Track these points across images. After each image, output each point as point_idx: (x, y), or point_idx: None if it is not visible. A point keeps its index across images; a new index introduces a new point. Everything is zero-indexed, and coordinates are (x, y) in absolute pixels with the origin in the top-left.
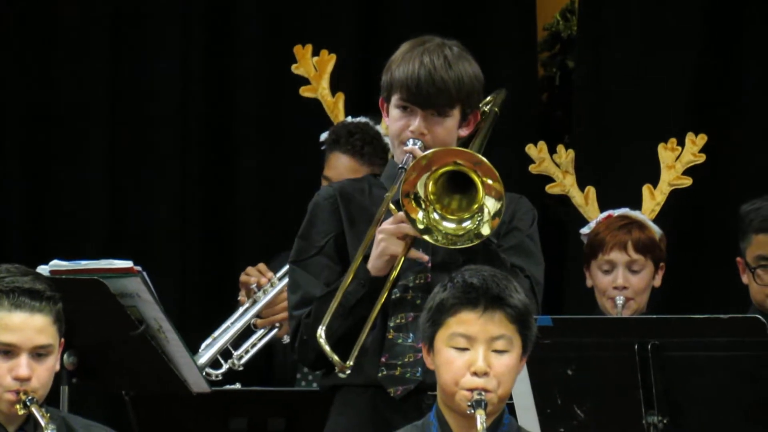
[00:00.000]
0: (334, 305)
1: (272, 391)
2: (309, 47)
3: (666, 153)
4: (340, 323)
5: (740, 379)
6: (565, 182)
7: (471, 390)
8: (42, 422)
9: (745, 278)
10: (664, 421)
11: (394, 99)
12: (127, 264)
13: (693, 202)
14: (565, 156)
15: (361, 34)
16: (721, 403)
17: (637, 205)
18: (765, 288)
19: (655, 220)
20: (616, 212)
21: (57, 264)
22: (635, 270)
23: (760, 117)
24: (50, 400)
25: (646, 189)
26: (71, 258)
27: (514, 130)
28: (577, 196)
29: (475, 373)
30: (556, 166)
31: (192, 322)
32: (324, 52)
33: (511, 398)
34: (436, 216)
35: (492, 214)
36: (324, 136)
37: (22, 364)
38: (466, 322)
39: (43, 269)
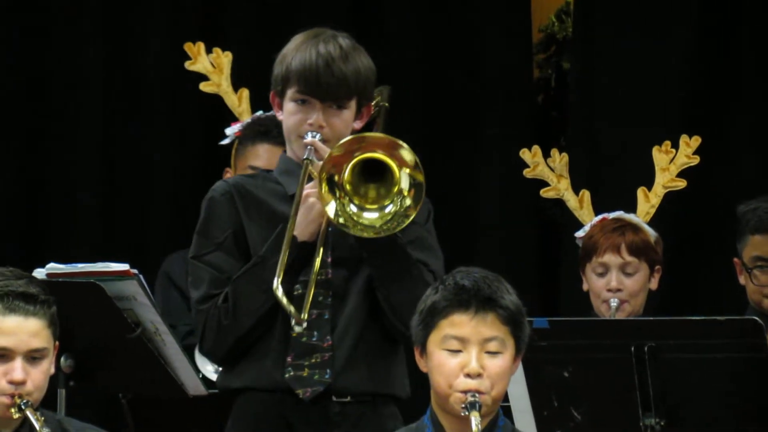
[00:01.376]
0: (284, 257)
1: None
2: (200, 44)
3: (660, 155)
4: (265, 298)
5: (737, 381)
6: (559, 186)
7: (465, 392)
8: (37, 426)
9: (742, 279)
10: (661, 423)
11: (290, 92)
12: (124, 267)
13: (688, 204)
14: (560, 160)
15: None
16: (718, 404)
17: (632, 207)
18: (762, 288)
19: (651, 223)
20: (611, 215)
21: (54, 267)
22: (629, 272)
23: (754, 118)
24: (47, 404)
25: (640, 191)
26: (68, 261)
27: (509, 132)
28: (571, 200)
29: (468, 375)
30: (550, 170)
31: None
32: (217, 50)
33: (507, 400)
34: (353, 209)
35: (408, 187)
36: (233, 129)
37: (17, 368)
38: (459, 324)
39: (40, 272)
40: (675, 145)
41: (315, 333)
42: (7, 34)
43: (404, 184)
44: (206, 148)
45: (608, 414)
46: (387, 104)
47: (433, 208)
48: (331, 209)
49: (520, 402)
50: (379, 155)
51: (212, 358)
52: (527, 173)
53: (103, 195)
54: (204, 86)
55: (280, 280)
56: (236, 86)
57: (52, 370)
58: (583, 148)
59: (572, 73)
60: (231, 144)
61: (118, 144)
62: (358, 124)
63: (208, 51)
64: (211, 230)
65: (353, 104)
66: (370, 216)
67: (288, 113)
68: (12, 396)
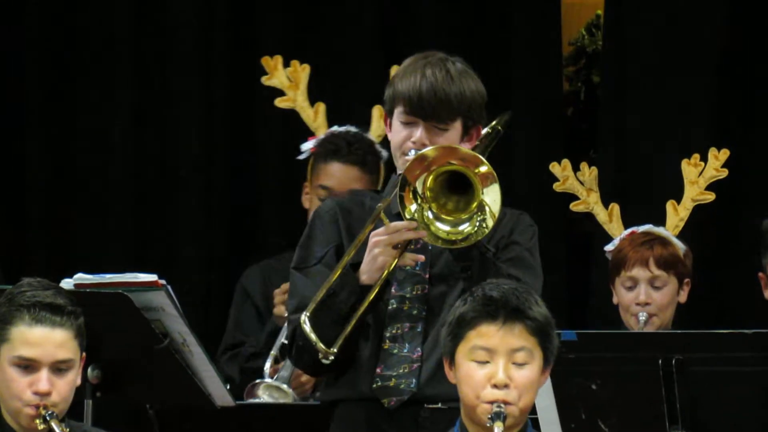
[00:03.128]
0: (320, 294)
1: (297, 405)
2: (278, 58)
3: (689, 168)
4: (338, 332)
5: (765, 394)
6: (589, 200)
7: (491, 402)
8: None
9: (767, 293)
10: None
11: (397, 112)
12: (152, 277)
13: (717, 217)
14: (589, 173)
15: (382, 49)
16: (745, 417)
17: (661, 221)
18: None
19: (680, 236)
20: (640, 229)
21: (81, 277)
22: (657, 286)
23: None
24: (74, 414)
25: (669, 205)
26: (96, 271)
27: (539, 145)
28: (601, 214)
29: (495, 386)
30: (580, 183)
31: (217, 336)
32: (295, 63)
33: (535, 413)
34: (429, 215)
35: (494, 208)
36: (308, 145)
37: (43, 379)
38: (486, 334)
39: (68, 283)
40: (704, 158)
41: (407, 345)
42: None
43: (489, 199)
44: (236, 158)
45: (635, 427)
46: (501, 128)
47: (537, 229)
48: (412, 208)
49: (548, 414)
50: (462, 169)
51: (302, 370)
52: (557, 187)
53: (133, 206)
54: (279, 102)
55: (308, 314)
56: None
57: (78, 382)
58: (613, 161)
59: (602, 87)
60: (307, 159)
61: (148, 154)
62: (466, 145)
63: (286, 65)
64: (313, 246)
65: (458, 125)
66: (442, 227)
67: (394, 132)
68: (37, 407)
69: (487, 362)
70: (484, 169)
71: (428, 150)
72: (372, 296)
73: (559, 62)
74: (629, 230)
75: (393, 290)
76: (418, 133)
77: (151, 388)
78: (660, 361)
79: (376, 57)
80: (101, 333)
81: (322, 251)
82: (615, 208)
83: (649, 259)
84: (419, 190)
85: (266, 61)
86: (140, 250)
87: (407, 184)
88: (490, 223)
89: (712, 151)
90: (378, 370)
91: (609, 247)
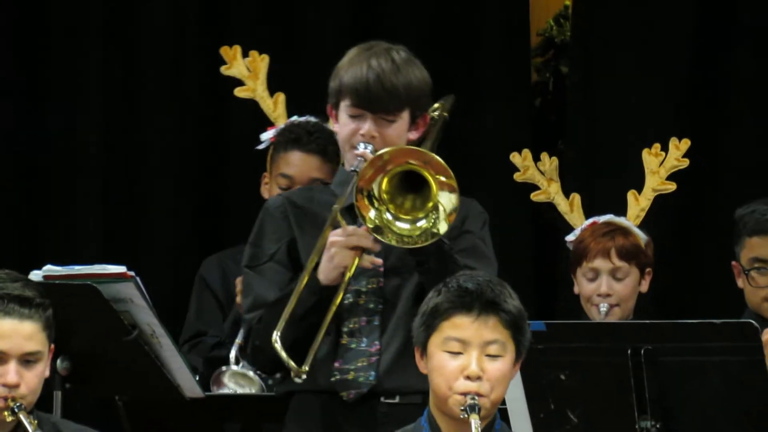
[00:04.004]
0: (287, 312)
1: (266, 396)
2: (237, 48)
3: (650, 158)
4: (292, 331)
5: (733, 384)
6: (549, 190)
7: (464, 394)
8: (30, 429)
9: (740, 282)
10: (657, 426)
11: (344, 105)
12: (121, 269)
13: (679, 207)
14: (549, 163)
15: (352, 37)
16: (714, 408)
17: (623, 210)
18: (759, 290)
19: (642, 226)
20: (601, 219)
21: (50, 269)
22: (619, 277)
23: (750, 122)
24: (44, 406)
25: (631, 195)
26: (65, 263)
27: (508, 135)
28: (562, 204)
29: (468, 378)
30: (540, 173)
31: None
32: (254, 53)
33: (504, 404)
34: (389, 216)
35: (448, 211)
36: (267, 135)
37: (11, 371)
38: (460, 326)
39: (37, 274)
40: (666, 149)
41: (364, 339)
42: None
43: (444, 202)
44: (207, 152)
45: (604, 417)
46: (446, 115)
47: (488, 217)
48: (371, 215)
49: (517, 405)
50: (422, 170)
51: (257, 368)
52: (517, 177)
53: (102, 198)
54: (239, 92)
55: (279, 333)
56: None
57: (47, 373)
58: (581, 151)
59: (570, 77)
60: (266, 149)
61: (119, 147)
62: (413, 135)
63: (244, 55)
64: (264, 242)
65: (406, 115)
66: (402, 226)
67: (341, 124)
68: (5, 399)
69: (460, 353)
70: (445, 179)
71: (384, 152)
72: (338, 300)
73: (528, 53)
74: (590, 220)
75: (348, 286)
76: (367, 125)
77: (120, 380)
78: (629, 351)
79: (344, 46)
80: (70, 324)
81: (274, 248)
82: (576, 198)
83: (611, 250)
84: (375, 193)
85: (225, 51)
86: (109, 243)
87: (361, 190)
88: (443, 225)
89: (673, 141)
90: (336, 365)
91: (570, 238)
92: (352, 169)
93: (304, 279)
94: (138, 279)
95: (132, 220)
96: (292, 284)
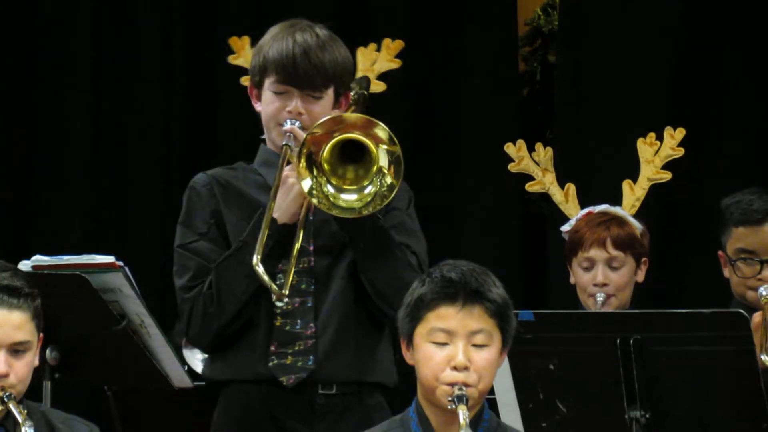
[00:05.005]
0: (263, 236)
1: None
2: (246, 38)
3: (645, 147)
4: (248, 283)
5: (723, 374)
6: (544, 180)
7: (451, 385)
8: (19, 419)
9: (727, 272)
10: (647, 416)
11: (268, 82)
12: (109, 259)
13: (674, 196)
14: (544, 154)
15: (341, 27)
16: (704, 397)
17: (618, 200)
18: (745, 280)
19: (637, 215)
20: (596, 209)
21: (39, 259)
22: (615, 267)
23: (740, 111)
24: (33, 395)
25: (626, 184)
26: (53, 253)
27: (496, 126)
28: (557, 194)
29: (455, 368)
30: (535, 164)
31: (174, 316)
32: None
33: (492, 394)
34: (330, 189)
35: (388, 164)
36: None
37: (0, 361)
38: (445, 316)
39: (25, 264)
40: (660, 138)
41: (299, 321)
42: None
43: (383, 161)
44: (194, 141)
45: (594, 407)
46: (366, 92)
47: (413, 194)
48: (306, 185)
49: (506, 395)
50: (357, 135)
51: (198, 345)
52: (512, 168)
53: (91, 187)
54: (246, 80)
55: (260, 257)
56: None
57: (36, 363)
58: (569, 141)
59: (558, 67)
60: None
61: (106, 136)
62: (336, 113)
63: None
64: (194, 221)
65: (331, 92)
66: (349, 197)
67: (266, 102)
68: None
69: (446, 344)
70: (379, 131)
71: (315, 126)
72: (299, 239)
73: (515, 42)
74: (585, 210)
75: (279, 265)
76: (294, 102)
77: (109, 370)
78: (618, 341)
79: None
80: (59, 314)
81: (205, 227)
82: (571, 188)
83: (606, 240)
84: (317, 159)
85: (234, 41)
86: (97, 232)
87: (304, 153)
88: (389, 180)
89: (668, 130)
90: (272, 348)
91: (565, 228)
92: (284, 143)
93: (267, 218)
94: (127, 269)
95: (119, 209)
96: (239, 240)
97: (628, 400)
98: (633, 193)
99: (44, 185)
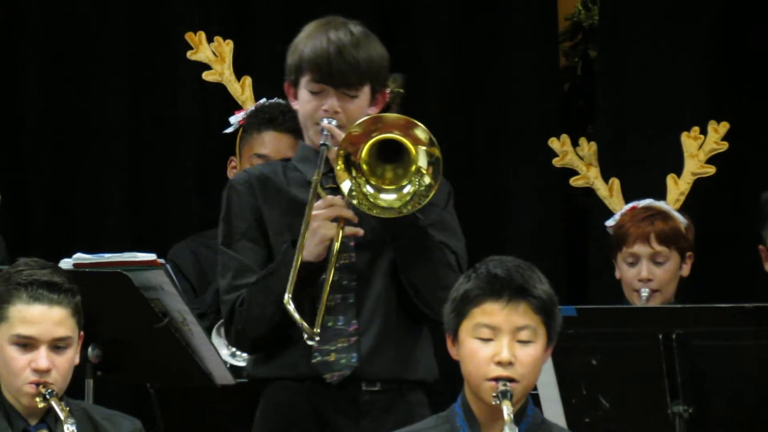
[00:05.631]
0: (294, 273)
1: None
2: (201, 34)
3: (689, 142)
4: (277, 308)
5: (765, 368)
6: (588, 174)
7: (496, 380)
8: (61, 416)
9: (767, 266)
10: (690, 411)
11: (304, 81)
12: (151, 257)
13: (718, 190)
14: (588, 148)
15: (382, 22)
16: (746, 392)
17: (662, 195)
18: None
19: (682, 209)
20: (641, 203)
21: (80, 257)
22: (659, 262)
23: None
24: (75, 394)
25: (670, 178)
26: (94, 251)
27: (536, 121)
28: (601, 188)
29: (499, 364)
30: (579, 158)
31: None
32: (219, 39)
33: (535, 389)
34: (369, 189)
35: (427, 165)
36: (236, 118)
37: (42, 356)
38: (491, 312)
39: (67, 263)
40: (704, 131)
41: (340, 318)
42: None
43: (422, 162)
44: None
45: (636, 402)
46: (402, 91)
47: (453, 191)
48: (345, 187)
49: (549, 390)
50: (395, 136)
51: (239, 350)
52: (556, 162)
53: (131, 185)
54: (207, 75)
55: (290, 294)
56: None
57: (77, 360)
58: (611, 136)
59: (599, 61)
60: (235, 132)
61: (145, 133)
62: (372, 111)
63: (209, 40)
64: (234, 220)
65: (367, 90)
66: (388, 197)
67: (303, 101)
68: (37, 385)
69: (491, 340)
70: (419, 132)
71: (354, 127)
72: (330, 275)
73: (556, 37)
74: (630, 205)
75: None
76: (329, 101)
77: (151, 367)
78: (660, 336)
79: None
80: (101, 312)
81: (244, 226)
82: (615, 182)
83: (650, 235)
84: (355, 159)
85: (190, 37)
86: (137, 230)
87: (343, 154)
88: (428, 180)
89: (712, 124)
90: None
91: (610, 223)
92: (321, 143)
93: (297, 257)
94: (168, 266)
95: (160, 207)
96: (272, 265)
97: (671, 395)
98: (677, 188)
99: (84, 183)
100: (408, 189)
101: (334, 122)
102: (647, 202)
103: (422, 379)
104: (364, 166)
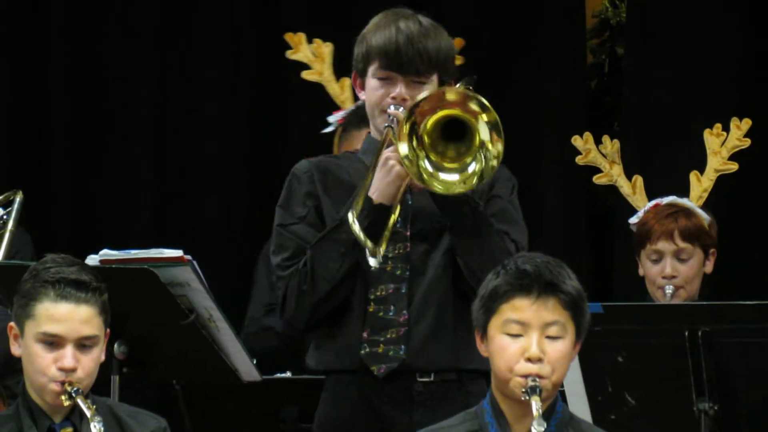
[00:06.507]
0: (361, 194)
1: (323, 380)
2: (301, 35)
3: (711, 138)
4: (342, 261)
5: None
6: (612, 172)
7: (525, 376)
8: (87, 414)
9: None
10: (716, 408)
11: (372, 69)
12: (178, 253)
13: (741, 187)
14: (611, 146)
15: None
16: None
17: (685, 192)
18: None
19: (704, 206)
20: (664, 200)
21: (107, 253)
22: (683, 258)
23: None
24: (101, 390)
25: (693, 175)
26: (121, 247)
27: (563, 118)
28: (624, 186)
29: (529, 359)
30: (602, 156)
31: (243, 310)
32: (318, 41)
33: (562, 385)
34: (428, 167)
35: (489, 133)
36: (335, 117)
37: (68, 355)
38: (520, 308)
39: (93, 259)
40: (726, 128)
41: (392, 307)
42: (62, 33)
43: (484, 134)
44: (255, 136)
45: (662, 399)
46: (471, 88)
47: (516, 182)
48: (403, 150)
49: (575, 387)
50: (458, 112)
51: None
52: (579, 160)
53: (157, 181)
54: (306, 74)
55: (356, 215)
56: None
57: (103, 358)
58: (637, 133)
59: (626, 59)
60: (333, 132)
61: (171, 131)
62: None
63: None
64: (293, 206)
65: (435, 79)
66: (449, 177)
67: (370, 90)
68: (62, 383)
69: (521, 336)
70: (473, 104)
71: (422, 100)
72: (397, 211)
73: (583, 35)
74: (653, 202)
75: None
76: (398, 88)
77: (177, 364)
78: (686, 333)
79: None
80: (127, 309)
81: (303, 211)
82: (638, 180)
83: (674, 232)
84: (419, 129)
85: (290, 37)
86: (164, 226)
87: (410, 120)
88: (494, 155)
89: (734, 121)
90: (365, 334)
91: (633, 220)
92: (386, 125)
93: (361, 196)
94: (195, 263)
95: (186, 203)
96: (334, 220)
97: (697, 392)
98: (700, 185)
99: (110, 179)
100: (473, 167)
101: (401, 109)
102: (670, 199)
103: (477, 368)
104: (426, 139)
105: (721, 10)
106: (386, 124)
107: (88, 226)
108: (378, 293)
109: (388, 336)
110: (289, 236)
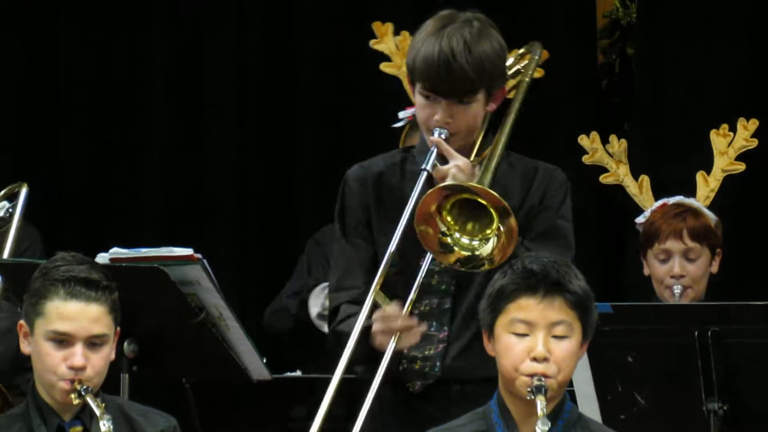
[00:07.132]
0: (383, 274)
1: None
2: (389, 25)
3: (718, 139)
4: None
5: None
6: (618, 172)
7: (531, 376)
8: (97, 412)
9: None
10: (725, 408)
11: (418, 86)
12: (188, 251)
13: (749, 187)
14: (618, 146)
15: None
16: None
17: (692, 192)
18: None
19: (711, 206)
20: (671, 200)
21: (117, 252)
22: (691, 258)
23: None
24: (111, 389)
25: (699, 176)
26: (131, 246)
27: (573, 118)
28: (631, 186)
29: (534, 359)
30: (609, 156)
31: (252, 309)
32: (405, 33)
33: (571, 385)
34: (464, 240)
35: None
36: (406, 113)
37: (77, 353)
38: (526, 308)
39: (103, 257)
40: (734, 129)
41: (434, 323)
42: (75, 33)
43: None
44: (267, 136)
45: (671, 399)
46: (528, 79)
47: (570, 186)
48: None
49: (584, 387)
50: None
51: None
52: (586, 159)
53: (167, 179)
54: (385, 67)
55: (378, 285)
56: None
57: (113, 357)
58: (647, 133)
59: (636, 59)
60: (402, 127)
61: (181, 130)
62: (491, 107)
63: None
64: (346, 216)
65: (480, 96)
66: (485, 247)
67: (418, 106)
68: (72, 381)
69: (527, 335)
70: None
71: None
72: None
73: (594, 35)
74: (660, 202)
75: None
76: (439, 113)
77: (187, 362)
78: (696, 333)
79: None
80: (138, 307)
81: (354, 221)
82: (645, 179)
83: (683, 231)
84: (442, 222)
85: (377, 26)
86: (175, 224)
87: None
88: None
89: (741, 121)
90: (405, 350)
91: (640, 219)
92: (423, 167)
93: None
94: (205, 261)
95: (197, 201)
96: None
97: (706, 392)
98: (707, 185)
99: (121, 178)
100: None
101: (444, 133)
102: (677, 198)
103: None
104: (450, 219)
105: (730, 12)
106: (423, 167)
107: (98, 224)
108: (422, 308)
109: (426, 352)
110: (340, 253)
